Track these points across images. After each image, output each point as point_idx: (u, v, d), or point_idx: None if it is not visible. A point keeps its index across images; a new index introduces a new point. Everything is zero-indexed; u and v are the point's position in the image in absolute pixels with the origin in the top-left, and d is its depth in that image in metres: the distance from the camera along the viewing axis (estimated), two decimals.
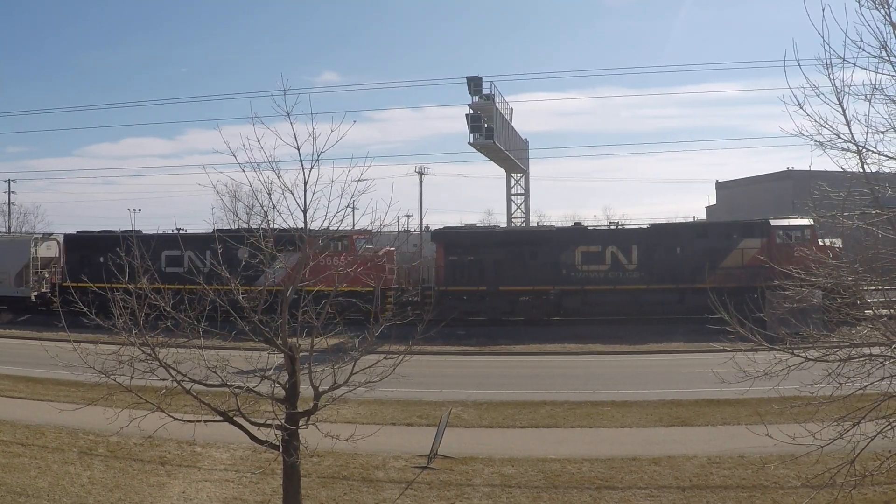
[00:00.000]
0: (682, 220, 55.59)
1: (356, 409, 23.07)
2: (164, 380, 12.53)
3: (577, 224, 53.47)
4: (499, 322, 47.82)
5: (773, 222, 46.12)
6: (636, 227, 49.52)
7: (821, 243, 33.35)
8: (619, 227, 52.13)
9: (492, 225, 59.16)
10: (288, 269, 47.80)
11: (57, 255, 57.12)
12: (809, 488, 14.65)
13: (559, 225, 55.33)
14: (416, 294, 52.35)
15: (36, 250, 55.66)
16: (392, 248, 53.50)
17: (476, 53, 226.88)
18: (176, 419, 12.76)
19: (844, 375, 11.51)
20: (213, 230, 54.49)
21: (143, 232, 56.13)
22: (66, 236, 56.23)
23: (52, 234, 60.01)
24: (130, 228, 38.02)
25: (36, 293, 54.60)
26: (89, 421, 20.12)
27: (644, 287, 46.51)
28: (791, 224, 45.39)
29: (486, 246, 49.09)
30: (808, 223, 41.46)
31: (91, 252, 51.17)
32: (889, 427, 11.24)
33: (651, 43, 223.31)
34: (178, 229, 56.54)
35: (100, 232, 55.54)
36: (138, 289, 12.74)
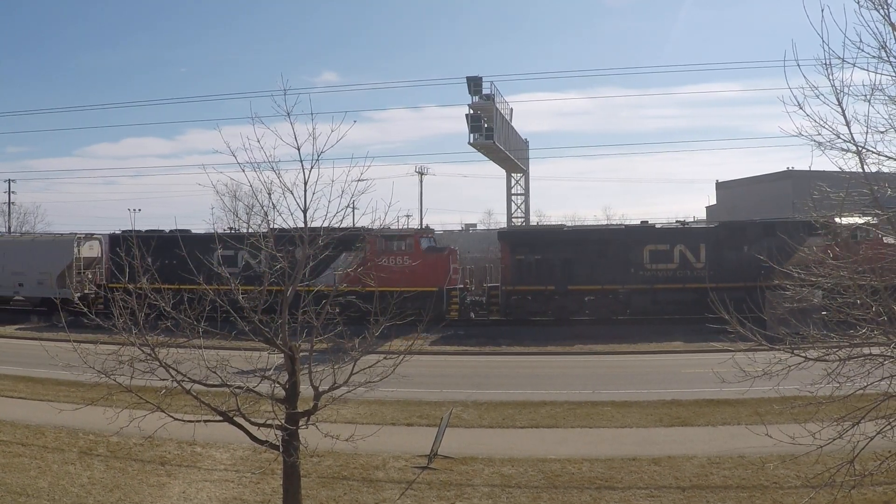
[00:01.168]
0: (750, 219, 54.87)
1: (356, 409, 23.08)
2: (164, 380, 12.54)
3: (645, 222, 53.21)
4: (567, 321, 47.46)
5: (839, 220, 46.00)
6: (704, 225, 49.07)
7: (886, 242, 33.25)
8: (686, 225, 51.75)
9: (559, 224, 58.69)
10: (349, 270, 47.78)
11: (99, 256, 55.68)
12: (809, 488, 14.67)
13: (625, 223, 54.71)
14: (480, 294, 52.39)
15: (79, 250, 53.97)
16: (455, 248, 53.39)
17: (476, 53, 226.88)
18: (176, 419, 12.77)
19: (844, 375, 11.51)
20: (269, 229, 54.08)
21: (193, 231, 55.47)
22: (112, 236, 54.08)
23: (94, 233, 57.95)
24: (177, 228, 37.43)
25: (79, 294, 50.86)
26: (89, 421, 20.12)
27: (712, 286, 46.37)
28: (857, 223, 45.26)
29: (554, 245, 48.67)
30: (874, 221, 41.40)
31: (142, 252, 49.57)
32: (889, 427, 11.25)
33: (651, 43, 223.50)
34: (231, 228, 56.16)
35: (147, 231, 53.08)
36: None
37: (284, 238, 14.20)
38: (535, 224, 61.44)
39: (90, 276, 54.23)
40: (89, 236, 56.65)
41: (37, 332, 44.22)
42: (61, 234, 54.07)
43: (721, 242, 47.07)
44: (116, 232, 51.76)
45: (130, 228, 52.13)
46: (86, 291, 52.64)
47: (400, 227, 59.91)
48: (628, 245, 47.90)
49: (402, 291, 47.35)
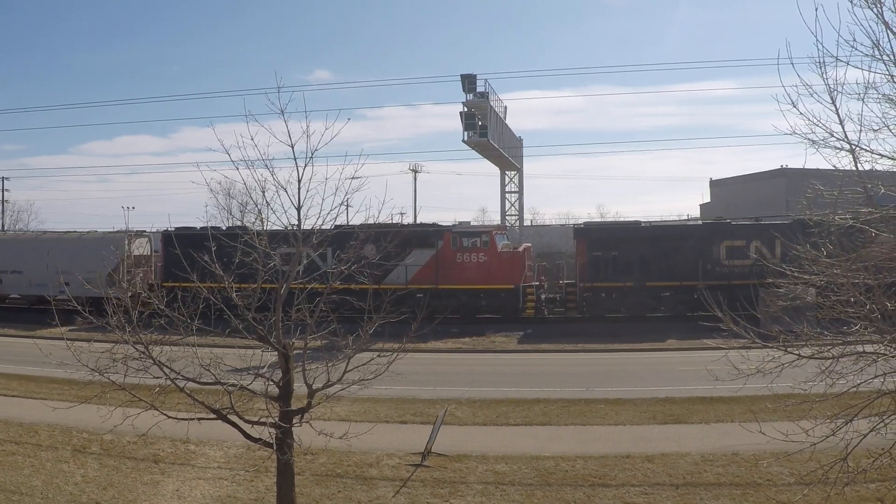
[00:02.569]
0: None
1: (350, 407, 23.11)
2: (157, 378, 12.54)
3: (719, 218, 52.94)
4: (643, 318, 47.33)
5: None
6: (779, 221, 48.79)
7: None
8: (761, 221, 51.53)
9: (634, 220, 58.35)
10: (420, 265, 47.33)
11: (148, 253, 54.52)
12: (802, 485, 14.69)
13: (694, 220, 54.15)
14: (556, 291, 52.28)
15: (129, 248, 52.73)
16: (529, 245, 53.25)
17: (471, 51, 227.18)
18: (170, 417, 12.76)
19: (837, 373, 11.52)
20: (333, 226, 53.75)
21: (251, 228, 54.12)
22: (164, 233, 51.10)
23: (143, 230, 56.26)
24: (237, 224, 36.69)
25: (130, 294, 48.83)
26: (83, 419, 20.08)
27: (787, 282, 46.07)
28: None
29: (631, 241, 48.28)
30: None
31: (192, 250, 48.11)
32: (882, 424, 11.27)
33: (645, 41, 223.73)
34: (294, 225, 55.45)
35: (201, 228, 52.58)
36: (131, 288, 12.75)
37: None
38: (611, 220, 61.03)
39: (141, 276, 50.99)
40: (139, 233, 55.44)
41: (87, 334, 44.09)
42: (110, 232, 52.23)
43: (794, 238, 46.49)
44: (169, 229, 50.57)
45: (183, 226, 51.05)
46: (138, 291, 50.65)
47: (479, 223, 59.39)
48: (704, 241, 47.46)
49: (477, 289, 47.96)
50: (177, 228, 49.17)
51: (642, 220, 61.00)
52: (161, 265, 51.26)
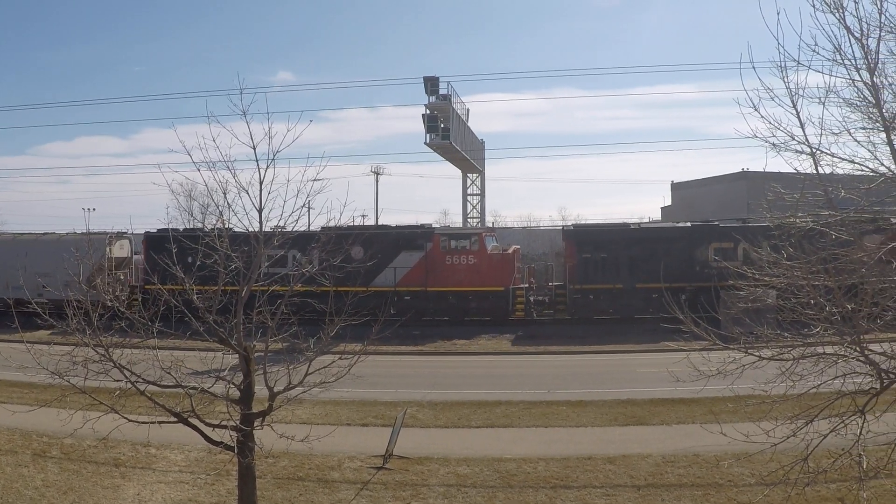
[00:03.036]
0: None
1: (311, 410, 23.01)
2: (118, 381, 12.40)
3: (707, 221, 53.06)
4: (632, 320, 46.93)
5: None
6: (766, 224, 48.80)
7: None
8: (748, 223, 51.74)
9: (623, 222, 58.11)
10: (409, 267, 46.99)
11: (128, 256, 53.54)
12: (763, 486, 14.81)
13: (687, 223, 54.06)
14: (544, 294, 52.01)
15: (110, 250, 51.25)
16: (518, 247, 53.10)
17: (433, 54, 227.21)
18: (130, 420, 12.61)
19: (798, 374, 11.59)
20: (321, 228, 53.22)
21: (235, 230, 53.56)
22: (148, 235, 50.51)
23: (124, 232, 54.07)
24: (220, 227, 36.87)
25: (111, 297, 47.12)
26: (43, 423, 19.84)
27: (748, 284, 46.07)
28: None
29: (620, 243, 48.17)
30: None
31: (182, 252, 46.84)
32: (842, 425, 11.34)
33: (609, 45, 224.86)
34: (281, 227, 54.67)
35: (185, 230, 50.76)
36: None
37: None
38: (601, 222, 60.84)
39: (122, 278, 51.45)
40: (120, 235, 53.56)
41: (62, 338, 43.37)
42: (91, 233, 50.88)
43: (783, 240, 46.55)
44: (152, 231, 49.38)
45: (166, 227, 50.27)
46: (118, 294, 49.42)
47: (465, 226, 59.10)
48: (693, 243, 47.43)
49: (467, 291, 47.83)
50: (158, 230, 48.64)
51: (607, 220, 61.22)
52: (143, 268, 50.26)
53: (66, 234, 52.46)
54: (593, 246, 48.21)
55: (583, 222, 54.51)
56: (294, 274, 13.91)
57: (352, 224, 55.95)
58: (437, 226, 55.47)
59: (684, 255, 46.77)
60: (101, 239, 49.77)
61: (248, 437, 12.94)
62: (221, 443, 12.97)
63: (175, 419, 12.67)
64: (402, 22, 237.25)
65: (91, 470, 18.53)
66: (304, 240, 49.96)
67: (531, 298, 50.14)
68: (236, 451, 12.86)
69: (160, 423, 12.83)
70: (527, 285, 50.15)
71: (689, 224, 52.37)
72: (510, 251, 49.75)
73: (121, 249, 53.17)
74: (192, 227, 51.47)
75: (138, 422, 12.68)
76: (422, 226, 51.38)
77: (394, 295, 47.73)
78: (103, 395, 12.51)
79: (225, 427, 12.73)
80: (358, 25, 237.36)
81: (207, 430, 12.72)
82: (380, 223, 57.07)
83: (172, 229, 48.53)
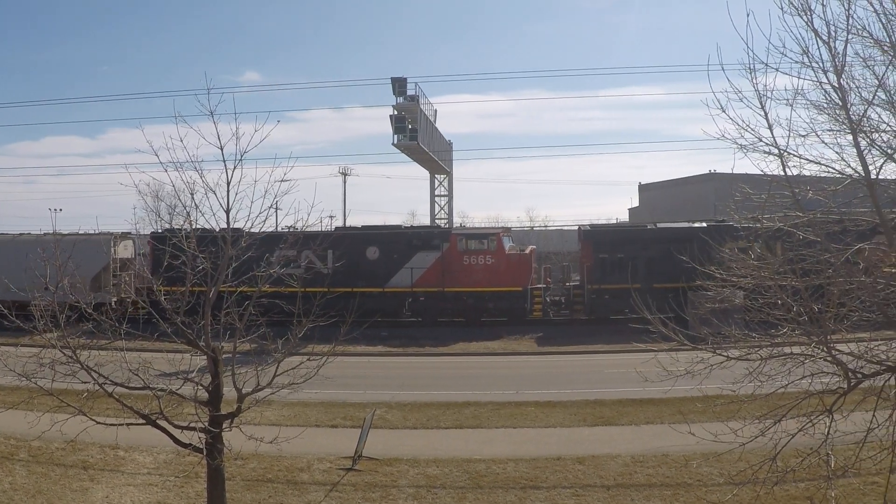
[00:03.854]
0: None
1: (280, 411, 22.96)
2: (85, 382, 12.27)
3: (723, 221, 53.25)
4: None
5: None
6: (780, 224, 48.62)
7: None
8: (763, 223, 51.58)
9: (640, 223, 57.81)
10: (425, 268, 46.61)
11: (133, 256, 51.15)
12: (732, 485, 14.89)
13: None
14: (559, 293, 51.91)
15: (115, 250, 49.60)
16: (534, 247, 52.90)
17: (401, 55, 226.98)
18: (98, 423, 12.49)
19: (766, 374, 11.64)
20: (335, 228, 52.60)
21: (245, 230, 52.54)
22: (154, 235, 48.80)
23: (128, 232, 52.94)
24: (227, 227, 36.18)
25: (115, 299, 44.53)
26: (9, 425, 19.60)
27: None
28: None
29: (637, 243, 48.09)
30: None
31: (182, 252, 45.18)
32: (810, 424, 11.40)
33: (574, 46, 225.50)
34: (290, 227, 53.95)
35: (192, 230, 49.27)
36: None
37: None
38: (617, 222, 60.56)
39: (127, 279, 49.52)
40: (124, 235, 51.97)
41: (73, 341, 42.67)
42: (94, 233, 49.49)
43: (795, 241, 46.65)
44: (159, 230, 48.23)
45: (172, 227, 49.50)
46: (124, 295, 47.50)
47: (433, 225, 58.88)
48: (708, 243, 47.14)
49: (485, 292, 47.63)
50: (165, 230, 48.00)
51: (583, 222, 61.12)
52: (150, 268, 49.30)
53: (69, 234, 51.46)
54: (610, 246, 48.18)
55: (600, 222, 54.19)
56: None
57: (366, 224, 55.94)
58: (455, 226, 55.12)
59: (702, 254, 46.82)
60: (106, 239, 48.62)
61: (216, 439, 12.87)
62: (190, 445, 12.88)
63: (143, 421, 12.57)
64: (371, 23, 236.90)
65: (59, 473, 18.37)
66: (321, 240, 49.96)
67: (547, 299, 50.12)
68: (205, 453, 12.77)
69: (128, 425, 12.71)
70: (544, 285, 50.14)
71: (704, 224, 52.54)
72: (527, 251, 49.61)
73: (125, 250, 51.88)
74: (200, 227, 50.81)
75: (106, 424, 12.56)
76: (438, 226, 51.43)
77: (409, 296, 47.97)
78: (71, 397, 12.41)
79: (193, 429, 12.66)
80: (325, 26, 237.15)
81: (176, 432, 12.63)
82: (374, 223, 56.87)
83: (178, 229, 47.89)
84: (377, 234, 49.76)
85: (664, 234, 50.24)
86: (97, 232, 48.42)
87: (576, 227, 57.51)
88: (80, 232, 49.66)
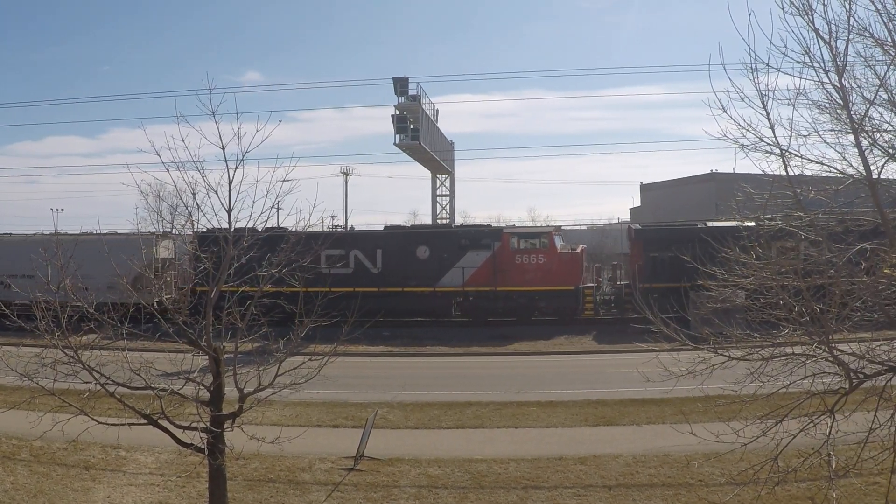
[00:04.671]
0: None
1: (282, 411, 22.96)
2: (87, 382, 12.29)
3: (772, 218, 52.96)
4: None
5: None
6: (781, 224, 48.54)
7: None
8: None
9: (690, 221, 57.58)
10: (476, 267, 46.37)
11: (173, 257, 50.64)
12: (734, 485, 14.87)
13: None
14: (610, 293, 51.74)
15: (156, 251, 48.31)
16: (584, 246, 52.80)
17: (403, 54, 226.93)
18: (100, 423, 12.52)
19: (767, 374, 11.63)
20: (385, 227, 52.55)
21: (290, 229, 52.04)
22: (200, 235, 47.83)
23: (169, 232, 52.84)
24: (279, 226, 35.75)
25: (157, 300, 44.57)
26: (11, 425, 19.60)
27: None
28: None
29: (688, 242, 47.46)
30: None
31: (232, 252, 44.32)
32: (811, 425, 11.39)
33: (583, 47, 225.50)
34: (336, 226, 53.62)
35: (236, 230, 48.14)
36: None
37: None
38: (667, 222, 60.19)
39: (169, 279, 47.10)
40: (165, 235, 51.45)
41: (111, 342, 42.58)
42: (134, 233, 48.38)
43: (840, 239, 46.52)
44: (203, 230, 47.46)
45: (218, 227, 48.57)
46: (168, 296, 47.38)
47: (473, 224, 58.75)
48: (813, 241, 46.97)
49: (537, 291, 47.41)
50: (208, 230, 47.75)
51: (617, 221, 61.07)
52: (192, 269, 48.19)
53: (108, 234, 50.80)
54: (661, 245, 47.49)
55: (651, 222, 53.97)
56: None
57: (415, 224, 55.72)
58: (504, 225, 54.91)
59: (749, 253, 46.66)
60: (147, 240, 46.56)
61: (218, 439, 12.88)
62: (192, 445, 12.89)
63: (145, 421, 12.58)
64: (371, 23, 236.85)
65: (61, 472, 18.37)
66: (370, 239, 49.84)
67: (597, 298, 49.97)
68: (207, 453, 12.78)
69: (130, 424, 12.74)
70: (595, 284, 49.98)
71: (752, 223, 52.43)
72: (578, 250, 49.42)
73: (165, 251, 51.16)
74: (244, 226, 50.28)
75: (108, 424, 12.58)
76: (488, 225, 51.29)
77: (459, 295, 47.89)
78: (73, 397, 12.43)
79: (195, 429, 12.65)
80: (326, 26, 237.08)
81: (178, 432, 12.63)
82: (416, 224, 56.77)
83: (222, 229, 47.38)
84: (428, 233, 49.86)
85: (714, 233, 50.23)
86: (137, 232, 47.99)
87: (578, 227, 57.59)
88: (120, 232, 49.32)
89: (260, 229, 13.82)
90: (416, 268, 47.90)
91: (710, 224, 53.27)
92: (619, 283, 52.05)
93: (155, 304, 12.97)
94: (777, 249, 12.01)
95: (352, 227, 55.90)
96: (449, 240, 48.44)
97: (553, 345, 41.47)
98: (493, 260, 47.32)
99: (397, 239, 48.99)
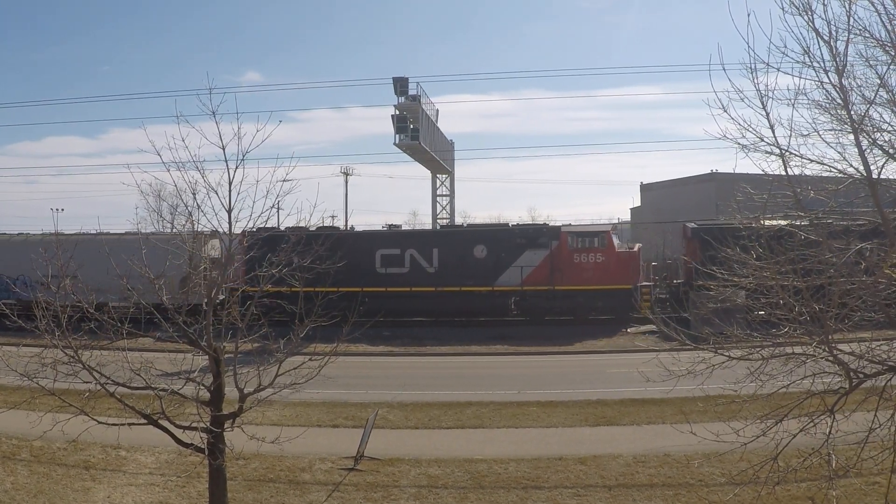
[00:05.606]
0: None
1: (282, 411, 22.96)
2: (87, 382, 12.28)
3: (828, 215, 52.78)
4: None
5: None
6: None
7: None
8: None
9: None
10: (534, 266, 46.05)
11: (219, 256, 49.38)
12: (734, 485, 14.86)
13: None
14: (665, 291, 51.07)
15: (205, 250, 46.92)
16: (640, 245, 52.67)
17: (403, 54, 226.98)
18: (100, 423, 12.51)
19: (767, 374, 11.63)
20: (440, 226, 52.37)
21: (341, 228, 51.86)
22: (250, 233, 46.83)
23: (216, 231, 51.04)
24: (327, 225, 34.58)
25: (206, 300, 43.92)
26: (12, 425, 19.61)
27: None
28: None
29: (745, 241, 47.06)
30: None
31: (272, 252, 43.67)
32: (811, 424, 11.39)
33: (583, 46, 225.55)
34: (390, 225, 53.56)
35: (287, 229, 47.83)
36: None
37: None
38: (724, 221, 59.93)
39: (218, 280, 47.36)
40: (213, 234, 49.60)
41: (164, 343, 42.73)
42: (179, 232, 47.31)
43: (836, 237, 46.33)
44: (251, 229, 46.72)
45: (268, 226, 47.85)
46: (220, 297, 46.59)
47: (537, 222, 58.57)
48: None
49: (595, 290, 47.15)
50: (259, 228, 47.44)
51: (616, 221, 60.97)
52: (243, 268, 47.69)
53: (153, 233, 50.15)
54: (720, 245, 47.62)
55: (707, 221, 53.80)
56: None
57: (471, 223, 55.53)
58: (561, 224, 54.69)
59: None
60: (198, 238, 46.48)
61: (218, 439, 12.88)
62: (192, 445, 12.89)
63: (145, 421, 12.58)
64: (371, 23, 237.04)
65: (61, 472, 18.37)
66: (426, 238, 49.67)
67: (653, 297, 49.71)
68: (207, 453, 12.79)
69: (130, 424, 12.73)
70: (651, 283, 49.75)
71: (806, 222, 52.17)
72: (635, 248, 49.38)
73: (212, 250, 50.48)
74: (294, 225, 49.63)
75: (108, 424, 12.57)
76: (546, 224, 51.13)
77: (516, 294, 47.71)
78: (73, 397, 12.43)
79: (195, 429, 12.65)
80: (325, 26, 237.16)
81: (178, 432, 12.64)
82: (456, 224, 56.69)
83: (271, 228, 46.84)
84: (485, 232, 49.59)
85: (770, 232, 50.04)
86: (185, 231, 47.10)
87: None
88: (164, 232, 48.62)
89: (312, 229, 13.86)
90: (473, 267, 47.81)
91: (769, 224, 53.28)
92: (674, 281, 51.62)
93: (204, 305, 12.93)
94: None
95: (352, 227, 55.60)
96: (506, 238, 48.23)
97: (556, 344, 41.48)
98: (551, 259, 47.18)
99: (455, 238, 49.18)
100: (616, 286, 46.35)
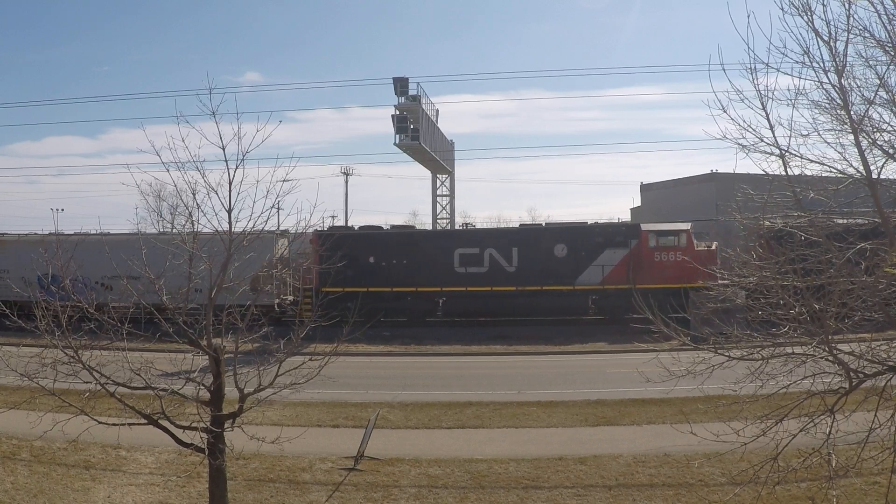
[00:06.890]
0: None
1: (282, 412, 22.95)
2: (87, 382, 12.29)
3: (875, 219, 52.67)
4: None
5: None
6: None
7: None
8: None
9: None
10: (613, 265, 45.66)
11: (288, 256, 47.42)
12: (734, 485, 14.88)
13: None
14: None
15: (275, 249, 45.92)
16: (717, 243, 52.50)
17: (403, 55, 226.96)
18: (100, 423, 12.52)
19: (767, 374, 11.64)
20: (520, 225, 52.25)
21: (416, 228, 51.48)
22: (318, 233, 43.76)
23: (285, 230, 48.90)
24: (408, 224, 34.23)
25: (277, 300, 45.58)
26: (12, 425, 19.61)
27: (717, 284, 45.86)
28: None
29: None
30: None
31: (354, 252, 44.69)
32: (811, 424, 11.39)
33: (584, 47, 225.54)
34: (466, 224, 53.25)
35: (360, 228, 48.89)
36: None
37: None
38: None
39: (289, 280, 47.06)
40: (283, 233, 46.50)
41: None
42: (251, 231, 45.31)
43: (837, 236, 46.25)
44: (322, 228, 45.69)
45: (337, 225, 47.55)
46: (289, 297, 47.33)
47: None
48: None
49: (676, 288, 46.83)
50: (330, 228, 47.12)
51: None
52: (317, 269, 44.90)
53: (189, 232, 48.38)
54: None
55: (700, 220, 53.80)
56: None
57: (550, 221, 55.34)
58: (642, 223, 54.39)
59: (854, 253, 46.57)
60: (267, 239, 40.58)
61: (218, 439, 12.88)
62: (192, 444, 12.90)
63: (145, 421, 12.59)
64: (371, 23, 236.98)
65: (61, 472, 18.36)
66: (507, 236, 49.64)
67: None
68: (207, 453, 12.80)
69: (130, 424, 12.75)
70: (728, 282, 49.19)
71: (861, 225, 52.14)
72: (713, 247, 48.49)
73: (280, 249, 48.23)
74: (352, 225, 49.12)
75: (108, 424, 12.58)
76: (626, 222, 50.97)
77: (596, 293, 47.58)
78: (73, 397, 12.44)
79: (195, 429, 12.66)
80: (325, 26, 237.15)
81: (178, 432, 12.65)
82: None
83: (343, 227, 46.42)
84: (565, 230, 49.42)
85: (821, 232, 49.91)
86: (260, 230, 45.93)
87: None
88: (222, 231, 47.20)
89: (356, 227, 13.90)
90: (553, 266, 47.55)
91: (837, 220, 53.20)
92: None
93: (276, 307, 12.98)
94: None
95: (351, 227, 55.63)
96: (586, 237, 48.06)
97: (555, 344, 41.50)
98: (631, 257, 46.96)
99: (535, 236, 48.83)
100: (697, 285, 46.05)
